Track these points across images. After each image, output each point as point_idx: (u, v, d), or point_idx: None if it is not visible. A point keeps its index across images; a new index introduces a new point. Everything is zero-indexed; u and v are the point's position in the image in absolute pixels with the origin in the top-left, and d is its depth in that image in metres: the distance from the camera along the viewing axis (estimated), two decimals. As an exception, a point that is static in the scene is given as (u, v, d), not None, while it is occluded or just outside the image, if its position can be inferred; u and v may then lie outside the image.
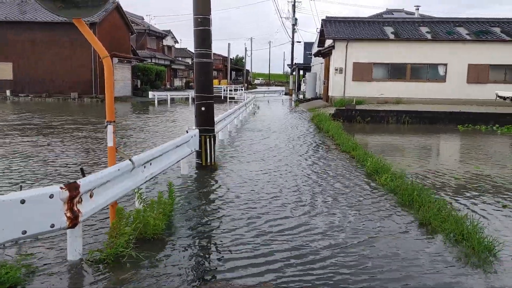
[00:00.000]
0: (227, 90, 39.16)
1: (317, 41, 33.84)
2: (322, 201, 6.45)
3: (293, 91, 49.87)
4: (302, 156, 10.42)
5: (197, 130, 8.52)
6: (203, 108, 8.59)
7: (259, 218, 5.59)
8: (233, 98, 38.12)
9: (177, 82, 60.16)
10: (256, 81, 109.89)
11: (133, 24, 39.77)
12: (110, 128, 4.76)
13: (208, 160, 8.66)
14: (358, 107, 21.68)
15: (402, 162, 9.98)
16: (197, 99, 8.69)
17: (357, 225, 5.39)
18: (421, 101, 25.08)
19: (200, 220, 5.48)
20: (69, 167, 8.49)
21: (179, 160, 7.47)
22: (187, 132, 8.07)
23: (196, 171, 8.43)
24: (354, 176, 8.25)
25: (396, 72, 25.91)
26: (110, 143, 4.80)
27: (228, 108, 24.83)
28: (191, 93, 33.77)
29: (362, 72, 25.83)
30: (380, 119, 19.54)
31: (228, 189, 7.08)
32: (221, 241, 4.76)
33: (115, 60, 33.71)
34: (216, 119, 10.82)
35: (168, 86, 52.64)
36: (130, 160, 5.08)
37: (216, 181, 7.67)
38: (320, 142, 13.17)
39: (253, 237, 4.91)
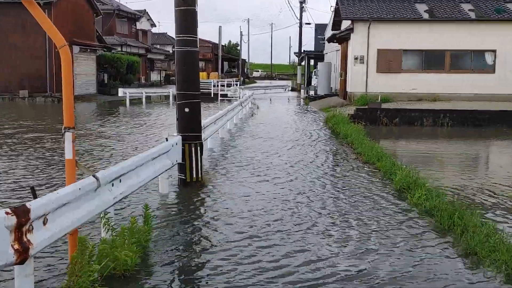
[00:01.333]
0: (217, 86, 39.31)
1: (332, 22, 34.08)
2: (343, 234, 6.45)
3: (302, 86, 50.12)
4: (313, 169, 10.46)
5: (180, 137, 8.55)
6: (187, 109, 8.62)
7: (253, 259, 5.58)
8: (225, 95, 38.29)
9: (155, 76, 60.48)
10: (255, 74, 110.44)
11: (98, 4, 40.06)
12: (68, 136, 4.78)
13: (194, 175, 8.69)
14: (384, 105, 21.77)
15: (441, 175, 10.00)
16: (179, 98, 8.73)
17: (391, 265, 5.37)
18: (463, 97, 25.22)
19: (182, 255, 5.48)
20: (21, 187, 8.49)
21: (157, 176, 7.48)
22: (166, 140, 8.10)
23: (179, 189, 8.44)
24: (379, 194, 8.27)
25: (432, 61, 26.09)
26: (68, 154, 4.81)
27: (220, 108, 24.91)
28: (172, 90, 33.92)
29: (389, 61, 26.00)
30: (412, 120, 19.64)
31: (218, 213, 7.10)
32: (208, 283, 4.75)
33: (76, 49, 33.93)
34: (203, 122, 10.86)
35: (143, 81, 52.91)
36: (94, 176, 5.09)
37: (204, 203, 7.68)
38: (335, 150, 13.20)
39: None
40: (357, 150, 12.52)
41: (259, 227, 6.42)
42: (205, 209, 7.26)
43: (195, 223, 6.57)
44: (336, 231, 6.31)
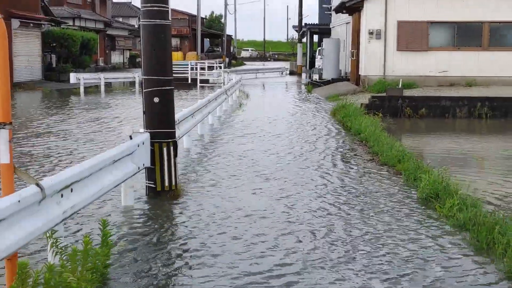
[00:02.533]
0: (196, 69, 39.28)
1: (340, -12, 34.17)
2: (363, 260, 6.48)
3: (303, 69, 50.20)
4: (314, 172, 10.50)
5: (148, 135, 8.53)
6: (156, 99, 8.61)
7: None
8: (206, 81, 38.26)
9: (117, 57, 60.35)
10: (244, 54, 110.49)
11: (43, -35, 39.87)
12: (4, 135, 4.75)
13: (166, 183, 8.68)
14: (406, 92, 21.85)
15: (478, 181, 10.04)
16: (146, 85, 8.71)
17: None
18: (506, 81, 25.42)
19: (152, 283, 5.48)
20: None
21: (119, 184, 7.47)
22: (130, 138, 8.08)
23: (147, 201, 8.44)
24: (401, 206, 8.31)
25: (466, 36, 26.28)
26: (4, 158, 4.79)
27: (199, 97, 24.88)
28: (138, 75, 33.83)
29: (412, 36, 26.14)
30: (442, 111, 19.75)
31: (195, 230, 7.09)
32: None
33: (15, 23, 33.73)
34: (178, 116, 10.83)
35: (102, 64, 52.79)
36: (37, 185, 5.06)
37: (177, 218, 7.67)
38: (346, 149, 13.25)
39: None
40: (373, 149, 12.56)
41: (245, 263, 6.38)
42: (179, 229, 7.25)
43: (167, 247, 6.53)
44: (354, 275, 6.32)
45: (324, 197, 8.76)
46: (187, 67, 39.98)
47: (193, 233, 6.97)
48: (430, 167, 10.03)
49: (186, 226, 7.28)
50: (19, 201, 4.72)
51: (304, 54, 52.93)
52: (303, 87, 36.74)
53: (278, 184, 9.58)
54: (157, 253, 6.26)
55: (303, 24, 51.67)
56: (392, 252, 6.29)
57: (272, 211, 7.94)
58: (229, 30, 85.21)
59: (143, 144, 8.28)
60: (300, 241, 6.65)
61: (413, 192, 9.04)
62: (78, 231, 6.96)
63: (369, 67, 26.53)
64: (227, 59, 67.07)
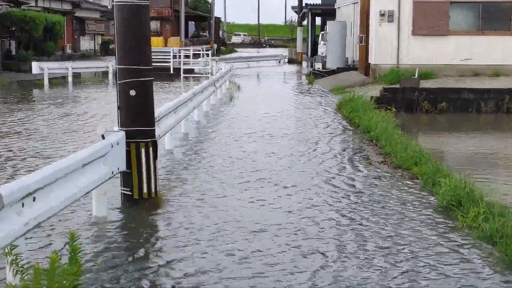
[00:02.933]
0: (180, 57, 39.23)
1: (346, -38, 34.26)
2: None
3: (304, 56, 50.23)
4: (316, 178, 10.52)
5: (123, 134, 8.50)
6: (133, 92, 8.58)
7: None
8: (191, 71, 38.27)
9: (87, 44, 60.19)
10: (235, 39, 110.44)
11: None
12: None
13: (145, 190, 8.65)
14: (423, 83, 21.90)
15: (507, 186, 10.07)
16: (121, 75, 8.68)
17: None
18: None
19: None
20: None
21: (91, 190, 7.45)
22: (103, 137, 8.05)
23: (122, 211, 8.42)
24: (418, 216, 8.33)
25: (493, 18, 26.36)
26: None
27: (183, 90, 24.83)
28: (112, 64, 33.76)
29: (430, 18, 26.18)
30: (465, 105, 19.81)
31: (179, 246, 7.08)
32: None
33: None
34: (158, 111, 10.80)
35: (70, 51, 52.68)
36: (-6, 192, 5.05)
37: (158, 231, 7.64)
38: (353, 150, 13.28)
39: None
40: (385, 150, 12.59)
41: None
42: (159, 244, 7.24)
43: (145, 266, 6.52)
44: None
45: (331, 206, 8.77)
46: (169, 55, 39.90)
47: (177, 250, 6.95)
48: (451, 170, 10.04)
49: (168, 241, 7.26)
50: (-27, 211, 4.70)
51: (305, 40, 52.98)
52: (303, 77, 36.76)
53: (276, 190, 9.60)
54: (134, 274, 6.25)
55: (303, 4, 51.70)
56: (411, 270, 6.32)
57: (272, 223, 7.95)
58: (217, 12, 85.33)
59: (117, 144, 8.24)
60: (312, 260, 6.66)
61: (431, 199, 9.05)
62: (46, 245, 6.94)
63: (380, 55, 26.56)
64: (215, 46, 66.96)
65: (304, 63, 46.00)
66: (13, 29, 40.28)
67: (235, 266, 6.39)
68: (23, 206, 5.59)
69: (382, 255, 6.70)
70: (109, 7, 63.04)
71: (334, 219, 8.10)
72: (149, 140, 8.73)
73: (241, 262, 6.50)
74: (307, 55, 49.42)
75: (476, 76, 25.37)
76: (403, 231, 7.58)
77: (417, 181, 10.13)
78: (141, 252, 6.87)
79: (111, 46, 59.42)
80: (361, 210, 8.54)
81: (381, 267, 6.37)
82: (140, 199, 8.61)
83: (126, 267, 6.37)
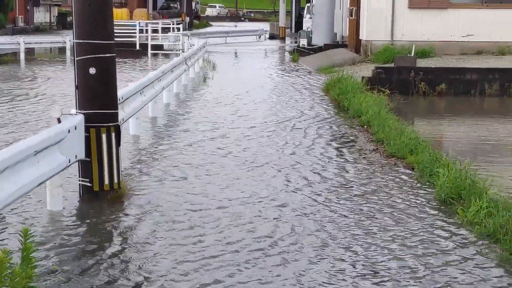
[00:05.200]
0: (147, 31, 39.00)
1: None
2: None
3: (288, 31, 50.27)
4: (300, 168, 10.54)
5: (81, 117, 8.43)
6: (92, 70, 8.51)
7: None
8: (160, 47, 38.06)
9: (41, 16, 59.71)
10: (210, 12, 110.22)
11: None
12: None
13: (107, 181, 8.61)
14: (420, 62, 21.94)
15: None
16: (80, 51, 8.61)
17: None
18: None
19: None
20: None
21: (44, 181, 7.40)
22: (59, 121, 7.99)
23: (81, 204, 8.39)
24: (413, 210, 8.36)
25: (498, -11, 26.41)
26: None
27: (150, 68, 24.71)
28: (70, 38, 33.51)
29: (429, -10, 26.21)
30: (467, 87, 19.88)
31: (144, 244, 7.07)
32: None
33: None
34: (121, 92, 10.73)
35: (22, 24, 52.20)
36: None
37: (120, 227, 7.64)
38: (342, 137, 13.31)
39: None
40: (377, 136, 12.62)
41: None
42: (121, 242, 7.22)
43: (100, 266, 6.49)
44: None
45: (313, 199, 8.80)
46: (135, 29, 39.61)
47: (142, 249, 6.93)
48: (451, 159, 10.08)
49: (132, 239, 7.26)
50: None
51: (289, 13, 53.00)
52: (287, 55, 36.81)
53: (252, 183, 9.63)
54: (93, 270, 6.24)
55: (287, -26, 51.63)
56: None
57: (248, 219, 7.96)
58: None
59: (75, 129, 8.17)
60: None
61: (428, 192, 9.09)
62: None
63: (373, 30, 26.58)
64: (187, 19, 66.84)
65: (288, 39, 46.10)
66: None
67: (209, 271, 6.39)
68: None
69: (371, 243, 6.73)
70: (67, -26, 62.55)
71: (321, 207, 8.14)
72: (111, 124, 8.69)
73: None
74: (290, 30, 49.51)
75: (480, 55, 25.49)
76: (395, 227, 7.63)
77: (413, 172, 10.15)
78: (98, 251, 6.82)
79: (68, 19, 58.89)
80: (350, 201, 8.59)
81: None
82: (101, 191, 8.57)
83: (81, 268, 6.33)
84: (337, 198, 8.90)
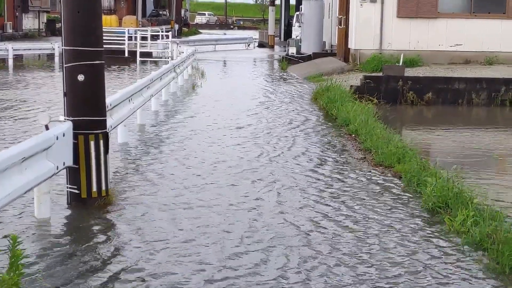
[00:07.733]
0: (136, 38, 38.93)
1: None
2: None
3: (276, 40, 50.29)
4: (288, 177, 10.56)
5: (69, 124, 8.43)
6: (81, 77, 8.51)
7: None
8: (149, 54, 38.02)
9: (30, 22, 59.41)
10: (199, 19, 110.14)
11: None
12: None
13: (95, 188, 8.60)
14: (408, 71, 22.00)
15: (500, 186, 10.17)
16: (68, 58, 8.60)
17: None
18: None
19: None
20: None
21: (31, 188, 7.38)
22: (47, 128, 7.98)
23: (68, 212, 8.37)
24: (401, 221, 8.40)
25: (486, 0, 26.49)
26: None
27: (139, 76, 24.67)
28: (58, 45, 33.46)
29: (417, -1, 26.29)
30: (455, 96, 19.94)
31: (132, 254, 7.07)
32: None
33: None
34: (110, 99, 10.71)
35: (10, 30, 51.95)
36: None
37: (108, 235, 7.64)
38: (330, 146, 13.34)
39: None
40: (365, 145, 12.65)
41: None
42: (109, 251, 7.20)
43: (86, 273, 6.49)
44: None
45: (300, 210, 8.81)
46: (124, 36, 39.57)
47: (130, 259, 6.91)
48: (438, 168, 10.12)
49: (119, 248, 7.24)
50: None
51: (278, 21, 53.02)
52: (276, 63, 36.78)
53: (238, 195, 9.63)
54: (82, 278, 6.22)
55: (276, -19, 51.73)
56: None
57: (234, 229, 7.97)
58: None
59: (63, 136, 8.16)
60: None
61: (415, 201, 9.13)
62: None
63: (361, 39, 26.62)
64: (176, 26, 66.67)
65: (277, 47, 46.11)
66: None
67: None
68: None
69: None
70: (56, -20, 62.40)
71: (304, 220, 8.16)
72: (100, 131, 8.68)
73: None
74: (280, 38, 49.52)
75: (468, 64, 25.57)
76: (382, 236, 7.67)
77: (401, 180, 10.17)
78: (86, 259, 6.80)
79: (57, 25, 58.73)
80: (338, 212, 8.62)
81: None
82: (89, 198, 8.57)
83: (66, 276, 6.32)
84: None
